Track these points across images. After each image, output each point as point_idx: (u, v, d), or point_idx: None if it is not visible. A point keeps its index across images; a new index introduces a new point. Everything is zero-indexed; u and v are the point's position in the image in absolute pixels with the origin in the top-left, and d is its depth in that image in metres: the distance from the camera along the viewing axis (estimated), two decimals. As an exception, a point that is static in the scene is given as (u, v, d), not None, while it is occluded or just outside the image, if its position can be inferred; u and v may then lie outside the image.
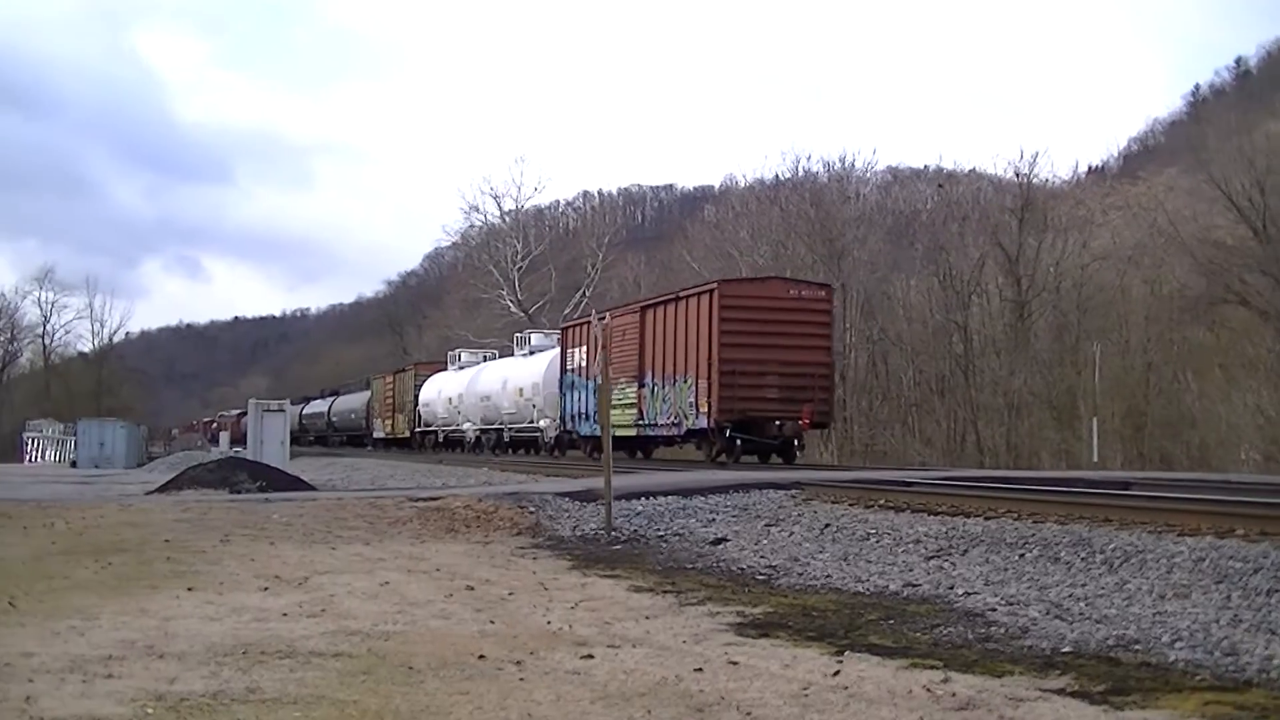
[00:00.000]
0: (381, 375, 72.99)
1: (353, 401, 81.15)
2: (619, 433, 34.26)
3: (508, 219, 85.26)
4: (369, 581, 11.05)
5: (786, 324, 31.65)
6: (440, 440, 57.58)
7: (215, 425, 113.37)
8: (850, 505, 16.46)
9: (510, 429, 48.76)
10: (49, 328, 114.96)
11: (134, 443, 68.87)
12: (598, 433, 34.87)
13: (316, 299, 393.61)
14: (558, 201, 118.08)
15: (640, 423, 35.33)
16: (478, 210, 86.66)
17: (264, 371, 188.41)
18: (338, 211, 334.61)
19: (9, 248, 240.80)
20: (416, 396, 61.49)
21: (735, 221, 67.92)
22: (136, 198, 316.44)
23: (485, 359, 57.17)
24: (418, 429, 61.39)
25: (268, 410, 37.47)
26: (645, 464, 32.15)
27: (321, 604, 9.67)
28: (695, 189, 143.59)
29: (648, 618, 9.14)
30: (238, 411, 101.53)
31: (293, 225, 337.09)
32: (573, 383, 40.57)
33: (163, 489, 25.90)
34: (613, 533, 15.79)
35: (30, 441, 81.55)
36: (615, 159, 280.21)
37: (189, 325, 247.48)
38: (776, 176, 68.60)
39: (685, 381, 32.76)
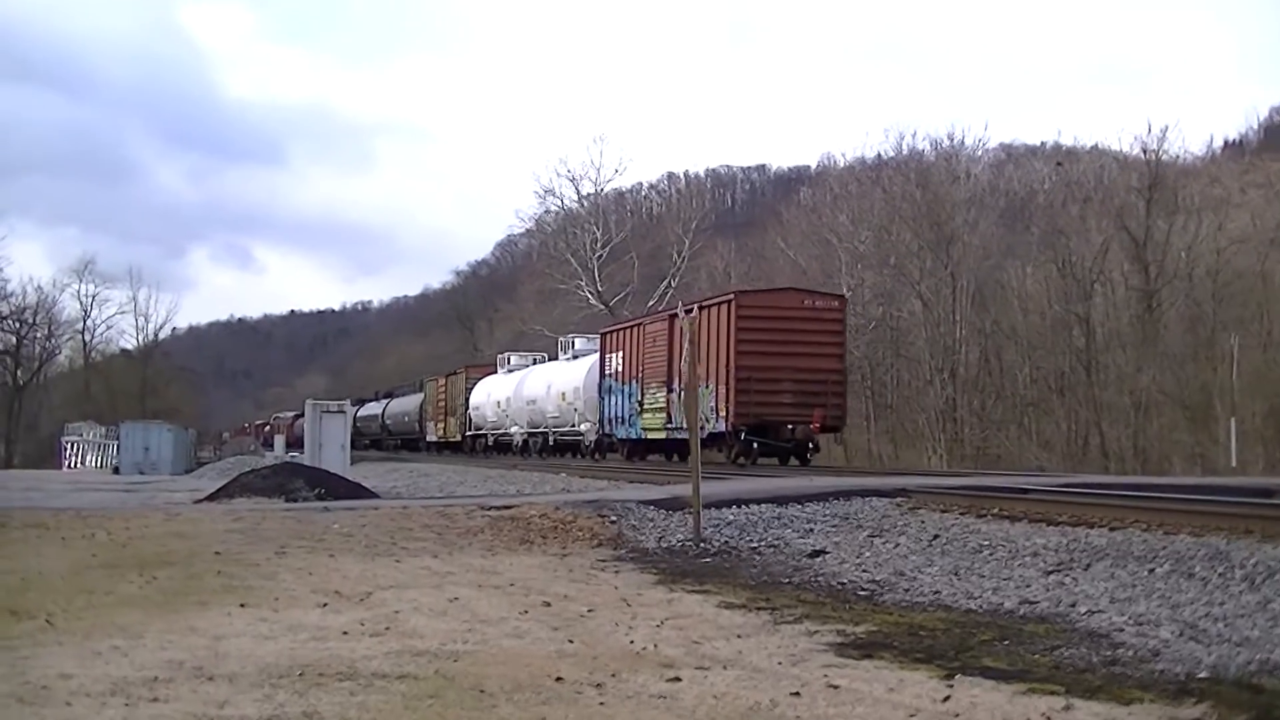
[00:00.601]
0: (434, 378, 76.61)
1: (406, 404, 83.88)
2: (650, 435, 41.65)
3: (586, 203, 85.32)
4: (437, 597, 11.04)
5: (801, 333, 35.72)
6: (490, 444, 61.34)
7: (269, 428, 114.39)
8: (961, 514, 16.33)
9: (554, 432, 52.46)
10: (89, 323, 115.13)
11: (181, 447, 69.47)
12: (634, 436, 43.08)
13: (378, 291, 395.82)
14: (640, 184, 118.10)
15: (669, 426, 39.45)
16: (553, 194, 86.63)
17: (322, 370, 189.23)
18: (400, 196, 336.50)
19: (46, 236, 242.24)
20: (467, 399, 65.18)
21: (834, 205, 67.80)
22: (181, 181, 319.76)
23: (535, 361, 60.60)
24: (468, 432, 65.26)
25: (327, 411, 37.41)
26: (728, 470, 32.08)
27: (385, 621, 9.66)
28: (790, 169, 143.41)
29: (739, 637, 9.09)
30: (294, 413, 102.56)
31: (351, 211, 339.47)
32: (610, 387, 45.09)
33: (213, 497, 26.10)
34: (702, 544, 15.75)
35: (69, 446, 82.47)
36: (702, 138, 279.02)
37: (240, 320, 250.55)
38: (879, 155, 68.57)
39: (707, 387, 35.51)
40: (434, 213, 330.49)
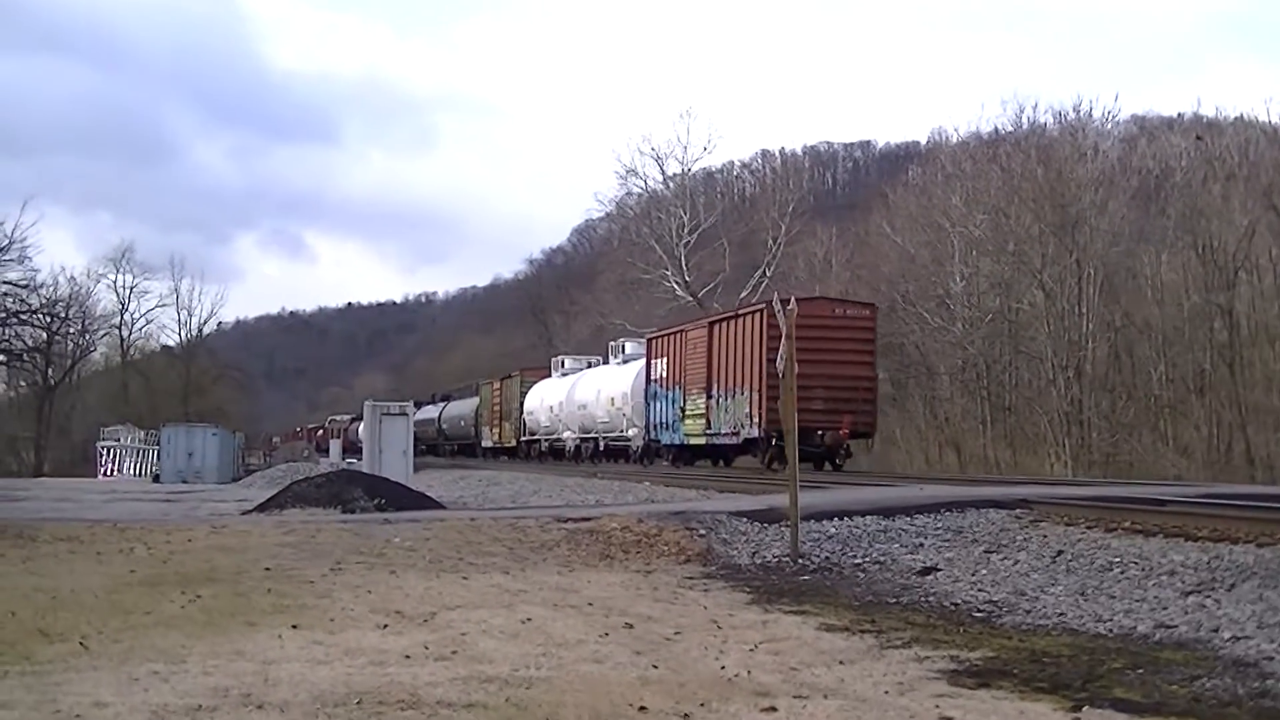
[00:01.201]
0: (490, 380, 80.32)
1: (463, 408, 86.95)
2: (691, 441, 45.93)
3: (672, 185, 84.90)
4: (508, 618, 11.09)
5: (832, 340, 39.01)
6: (544, 449, 65.32)
7: (324, 432, 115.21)
8: (1088, 528, 16.18)
9: (604, 438, 56.50)
10: (127, 317, 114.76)
11: (228, 453, 70.20)
12: (678, 441, 47.00)
13: (443, 282, 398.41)
14: (732, 163, 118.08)
15: (708, 432, 43.87)
16: (636, 175, 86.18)
17: (382, 368, 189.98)
18: (465, 177, 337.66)
19: (78, 223, 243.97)
20: (522, 403, 69.38)
21: (945, 185, 67.36)
22: (224, 161, 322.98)
23: (590, 365, 64.14)
24: (523, 437, 69.20)
25: (387, 414, 37.65)
26: (827, 478, 32.06)
27: (451, 644, 9.71)
28: (897, 146, 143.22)
29: (842, 663, 9.06)
30: (351, 416, 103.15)
31: (411, 194, 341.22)
32: (655, 393, 49.63)
33: (262, 508, 26.32)
34: (800, 560, 15.76)
35: (105, 452, 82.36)
36: (800, 112, 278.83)
37: (293, 313, 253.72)
38: (996, 129, 67.88)
39: (742, 393, 41.11)
40: (504, 196, 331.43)
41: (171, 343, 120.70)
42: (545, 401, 64.80)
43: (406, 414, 38.63)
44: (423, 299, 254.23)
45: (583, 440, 59.15)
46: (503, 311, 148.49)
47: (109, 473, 78.75)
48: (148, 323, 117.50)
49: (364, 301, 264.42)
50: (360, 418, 61.42)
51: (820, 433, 38.41)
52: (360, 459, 40.75)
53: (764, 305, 40.26)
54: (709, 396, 43.61)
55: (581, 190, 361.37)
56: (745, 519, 18.43)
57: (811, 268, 74.11)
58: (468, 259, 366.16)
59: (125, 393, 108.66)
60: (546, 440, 64.55)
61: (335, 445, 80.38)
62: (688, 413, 45.61)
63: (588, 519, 19.10)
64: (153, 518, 24.10)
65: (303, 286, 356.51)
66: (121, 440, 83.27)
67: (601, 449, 56.62)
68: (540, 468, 54.94)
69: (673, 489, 29.52)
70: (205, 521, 22.12)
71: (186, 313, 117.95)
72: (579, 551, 16.56)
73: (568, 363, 66.43)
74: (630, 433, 52.71)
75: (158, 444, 71.37)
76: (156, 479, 64.51)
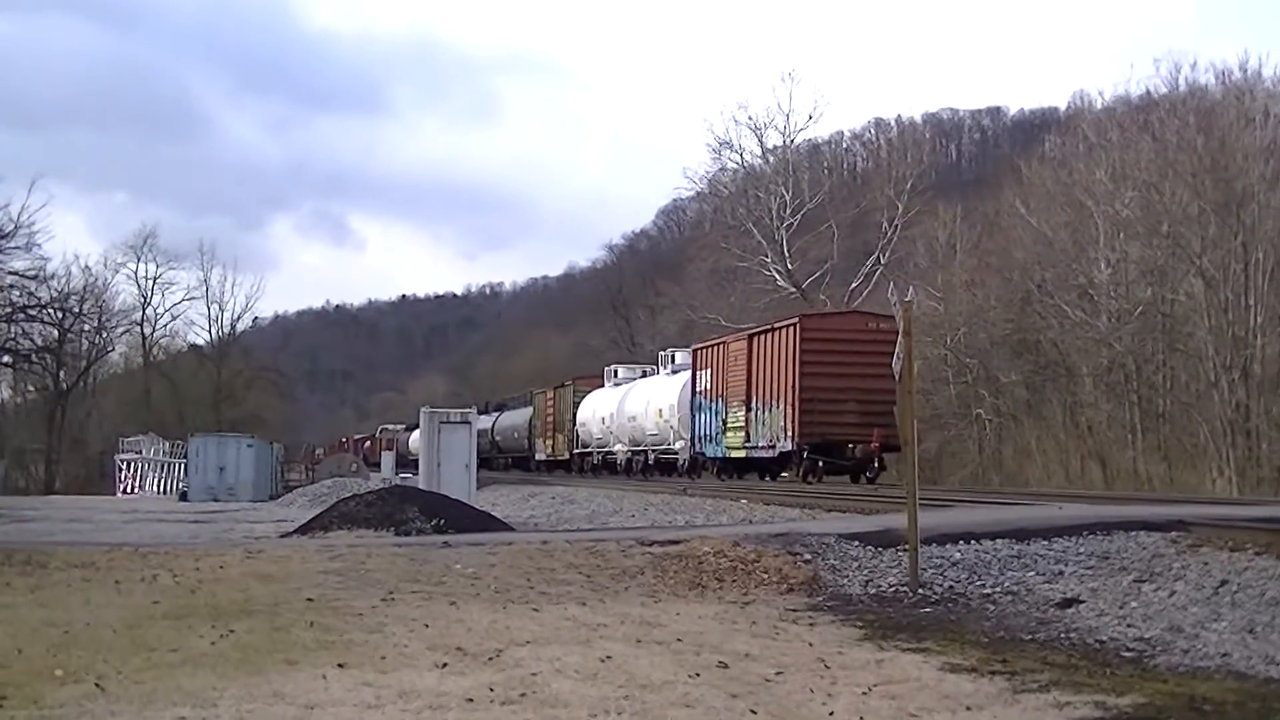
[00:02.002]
0: (543, 390, 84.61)
1: (516, 418, 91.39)
2: (732, 454, 51.42)
3: (772, 159, 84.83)
4: (585, 655, 11.11)
5: (865, 354, 42.25)
6: (597, 462, 70.76)
7: (375, 443, 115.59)
8: (1257, 554, 15.96)
9: (653, 451, 61.94)
10: (149, 312, 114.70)
11: (265, 467, 70.44)
12: (723, 454, 52.36)
13: (511, 271, 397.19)
14: (840, 134, 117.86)
15: (747, 445, 49.24)
16: (731, 148, 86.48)
17: (441, 369, 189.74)
18: (534, 152, 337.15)
19: (91, 204, 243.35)
20: (575, 414, 74.86)
21: (1088, 157, 66.72)
22: (258, 134, 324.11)
23: (644, 374, 69.17)
24: (576, 450, 75.01)
25: (447, 422, 37.64)
26: (950, 496, 31.94)
27: (520, 686, 9.72)
28: (1031, 113, 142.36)
29: (969, 709, 9.05)
30: (405, 425, 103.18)
31: (472, 171, 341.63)
32: (700, 405, 55.20)
33: (304, 529, 26.67)
34: (920, 590, 15.74)
35: (124, 466, 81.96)
36: (919, 75, 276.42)
37: (339, 308, 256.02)
38: (1148, 92, 67.28)
39: (778, 407, 46.59)
40: (578, 172, 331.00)
41: (200, 341, 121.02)
42: (598, 413, 70.00)
43: (469, 423, 38.56)
44: (487, 290, 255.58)
45: (634, 453, 64.76)
46: (579, 305, 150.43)
47: (129, 490, 78.70)
48: (173, 318, 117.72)
49: (420, 294, 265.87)
50: (416, 427, 62.41)
51: (852, 446, 44.33)
52: (416, 474, 40.70)
53: (797, 318, 48.43)
54: (748, 409, 49.31)
55: (668, 166, 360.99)
56: (857, 542, 18.43)
57: (933, 253, 73.47)
58: (538, 245, 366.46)
59: (147, 399, 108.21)
60: (599, 453, 70.06)
61: (387, 458, 79.57)
62: (729, 425, 51.20)
63: (676, 542, 19.17)
64: (179, 541, 24.42)
65: (349, 277, 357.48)
66: (143, 453, 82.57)
67: (650, 462, 62.33)
68: (620, 483, 55.33)
69: (773, 508, 29.47)
70: (239, 545, 22.29)
71: (217, 307, 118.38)
72: (666, 579, 16.60)
73: (620, 372, 72.17)
74: (677, 445, 58.52)
75: (185, 457, 71.42)
76: (184, 497, 64.63)
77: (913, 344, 17.13)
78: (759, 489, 41.09)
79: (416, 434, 56.37)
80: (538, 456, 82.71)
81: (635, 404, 64.12)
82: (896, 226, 78.35)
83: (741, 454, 50.34)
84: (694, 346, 59.08)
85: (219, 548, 21.31)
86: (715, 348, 54.14)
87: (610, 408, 67.39)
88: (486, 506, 31.71)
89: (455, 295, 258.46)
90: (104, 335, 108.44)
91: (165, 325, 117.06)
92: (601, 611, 13.97)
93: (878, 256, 77.26)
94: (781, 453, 46.75)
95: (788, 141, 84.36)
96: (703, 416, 54.83)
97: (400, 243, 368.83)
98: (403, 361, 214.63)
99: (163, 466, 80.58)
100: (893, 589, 15.96)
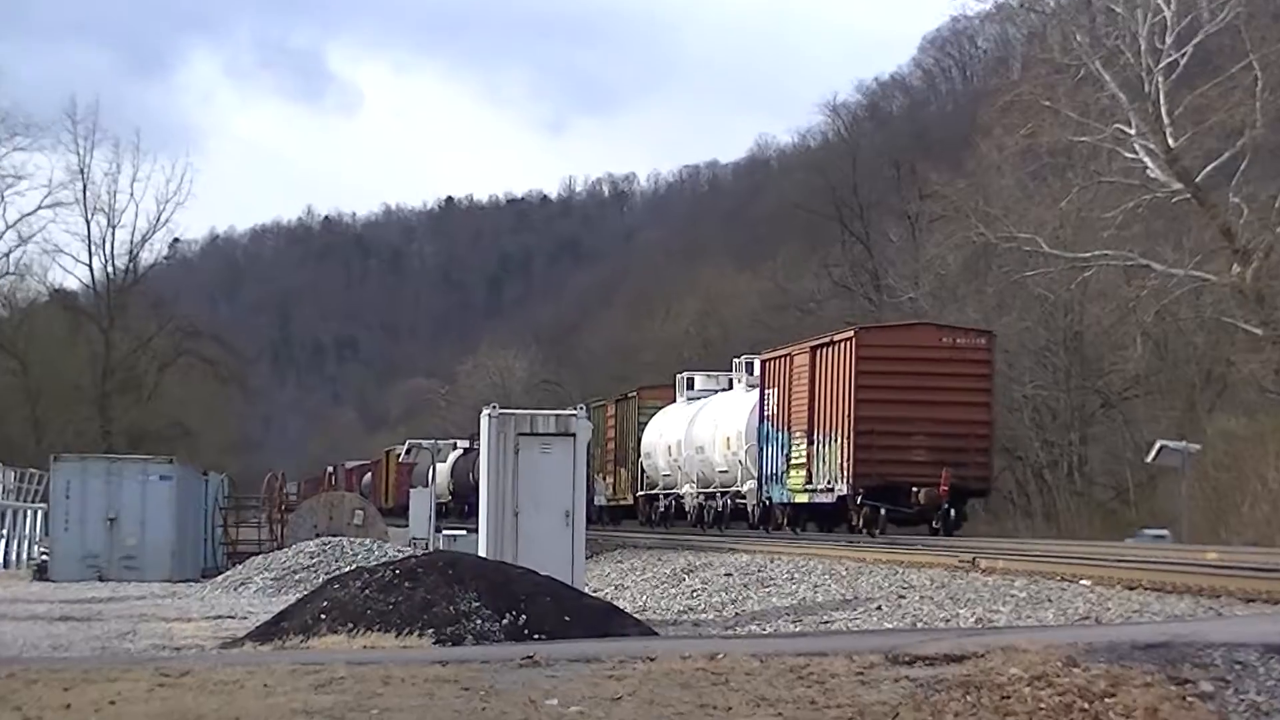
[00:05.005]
0: (603, 402, 66.10)
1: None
2: (796, 499, 44.89)
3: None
4: None
5: (937, 376, 39.86)
6: (663, 509, 57.57)
7: (396, 472, 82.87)
8: None
9: (722, 493, 51.28)
10: None
11: (194, 517, 46.64)
12: (786, 499, 45.59)
13: (643, 155, 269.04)
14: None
15: (808, 486, 43.25)
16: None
17: (515, 335, 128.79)
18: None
19: None
20: (639, 440, 59.48)
21: None
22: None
23: (732, 383, 54.32)
24: (641, 490, 60.14)
25: (531, 434, 26.27)
26: None
27: None
28: None
29: None
30: (452, 441, 72.26)
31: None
32: (768, 434, 47.08)
33: (268, 632, 19.41)
34: None
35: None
36: None
37: (326, 221, 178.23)
38: None
39: (835, 440, 41.24)
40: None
41: (74, 285, 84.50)
42: (664, 439, 56.19)
43: (572, 433, 26.51)
44: (599, 190, 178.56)
45: (704, 496, 53.09)
46: (771, 215, 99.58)
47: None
48: (21, 241, 78.87)
49: (474, 197, 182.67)
50: (468, 442, 54.34)
51: (916, 490, 39.07)
52: (471, 524, 33.04)
53: (853, 330, 43.42)
54: (810, 441, 43.38)
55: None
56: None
57: None
58: (687, 107, 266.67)
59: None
60: (665, 495, 56.66)
61: (419, 501, 49.05)
62: (792, 461, 44.86)
63: (958, 658, 13.04)
64: (34, 655, 18.79)
65: (339, 163, 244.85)
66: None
67: (719, 509, 51.89)
68: (829, 542, 40.49)
69: (1132, 594, 21.39)
70: (147, 663, 15.40)
71: (104, 221, 79.98)
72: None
73: (698, 381, 56.82)
74: (745, 487, 49.23)
75: (43, 498, 47.05)
76: (41, 572, 42.01)
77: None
78: (1103, 557, 28.74)
79: (471, 456, 51.22)
80: (597, 500, 62.08)
81: (703, 429, 52.76)
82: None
83: (804, 498, 44.51)
84: (762, 355, 50.14)
85: (109, 667, 14.46)
86: (781, 360, 46.77)
87: (677, 433, 54.90)
88: (604, 588, 26.84)
89: (537, 199, 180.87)
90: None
91: (6, 255, 79.15)
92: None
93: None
94: (840, 498, 41.56)
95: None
96: (769, 449, 47.23)
97: (425, 100, 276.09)
98: (446, 322, 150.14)
99: (1, 517, 48.83)
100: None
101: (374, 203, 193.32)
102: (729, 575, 30.88)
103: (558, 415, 28.00)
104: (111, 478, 42.49)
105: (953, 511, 39.75)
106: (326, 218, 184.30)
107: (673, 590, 29.91)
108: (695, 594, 28.83)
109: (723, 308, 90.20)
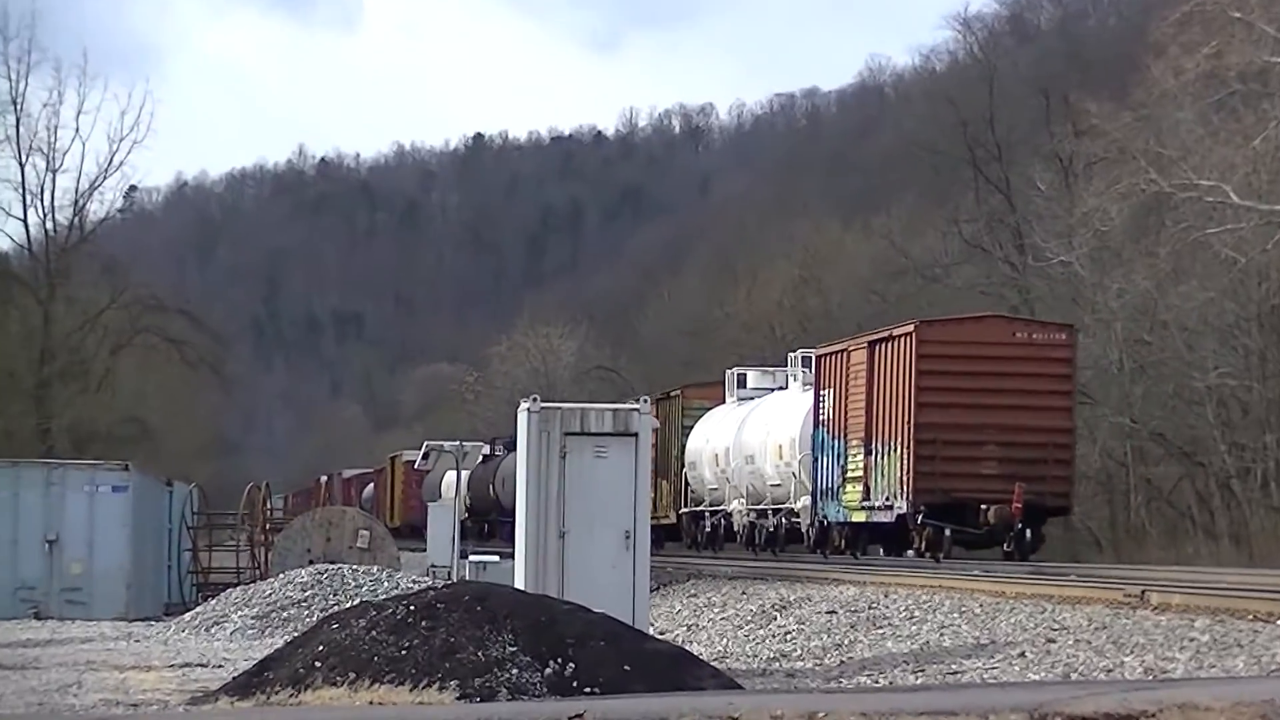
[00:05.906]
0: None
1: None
2: (853, 517, 41.17)
3: None
4: None
5: (1010, 377, 37.10)
6: (710, 528, 52.09)
7: (407, 481, 75.78)
8: None
9: (775, 510, 46.89)
10: None
11: (155, 538, 40.91)
12: (843, 518, 41.67)
13: (723, 83, 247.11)
14: None
15: (865, 503, 39.73)
16: None
17: (561, 305, 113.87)
18: None
19: None
20: (683, 447, 53.83)
21: None
22: None
23: (790, 381, 48.92)
24: (684, 508, 54.05)
25: (578, 434, 22.73)
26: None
27: None
28: None
29: None
30: (483, 442, 56.00)
31: None
32: (823, 441, 42.87)
33: (249, 684, 16.86)
34: None
35: None
36: None
37: (322, 164, 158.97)
38: None
39: (895, 450, 37.78)
40: None
41: (3, 244, 73.53)
42: (711, 446, 50.79)
43: (634, 433, 22.95)
44: (663, 122, 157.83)
45: (755, 514, 47.86)
46: (890, 157, 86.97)
47: None
48: None
49: (510, 134, 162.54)
50: (505, 444, 50.37)
51: (985, 507, 35.81)
52: (506, 548, 30.46)
53: (914, 323, 39.45)
54: (867, 452, 39.77)
55: None
56: None
57: None
58: (783, 18, 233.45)
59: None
60: (712, 512, 51.09)
61: (439, 517, 43.66)
62: (848, 474, 40.85)
63: (1120, 716, 10.97)
64: None
65: (337, 95, 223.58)
66: None
67: (772, 529, 47.07)
68: (934, 573, 35.54)
69: None
70: None
71: (42, 164, 69.00)
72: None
73: (751, 378, 51.72)
74: (799, 504, 44.50)
75: None
76: None
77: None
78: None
79: (505, 460, 48.20)
80: None
81: (753, 435, 47.42)
82: None
83: (861, 516, 40.64)
84: (817, 350, 46.05)
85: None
86: (837, 357, 42.65)
87: (726, 439, 49.41)
88: (673, 628, 24.90)
89: (588, 137, 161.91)
90: None
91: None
92: None
93: None
94: (899, 516, 38.07)
95: None
96: (824, 459, 42.83)
97: (441, 8, 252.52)
98: (473, 294, 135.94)
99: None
100: None
101: (382, 141, 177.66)
102: (832, 613, 27.10)
103: (615, 410, 24.44)
104: (51, 489, 36.89)
105: (1028, 532, 36.16)
106: (323, 160, 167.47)
107: (760, 632, 26.33)
108: (789, 636, 25.33)
109: (825, 275, 78.12)
